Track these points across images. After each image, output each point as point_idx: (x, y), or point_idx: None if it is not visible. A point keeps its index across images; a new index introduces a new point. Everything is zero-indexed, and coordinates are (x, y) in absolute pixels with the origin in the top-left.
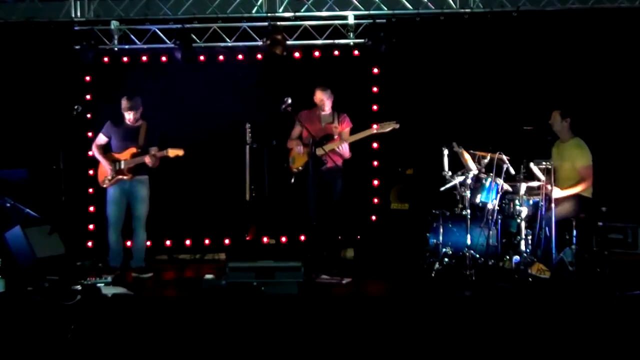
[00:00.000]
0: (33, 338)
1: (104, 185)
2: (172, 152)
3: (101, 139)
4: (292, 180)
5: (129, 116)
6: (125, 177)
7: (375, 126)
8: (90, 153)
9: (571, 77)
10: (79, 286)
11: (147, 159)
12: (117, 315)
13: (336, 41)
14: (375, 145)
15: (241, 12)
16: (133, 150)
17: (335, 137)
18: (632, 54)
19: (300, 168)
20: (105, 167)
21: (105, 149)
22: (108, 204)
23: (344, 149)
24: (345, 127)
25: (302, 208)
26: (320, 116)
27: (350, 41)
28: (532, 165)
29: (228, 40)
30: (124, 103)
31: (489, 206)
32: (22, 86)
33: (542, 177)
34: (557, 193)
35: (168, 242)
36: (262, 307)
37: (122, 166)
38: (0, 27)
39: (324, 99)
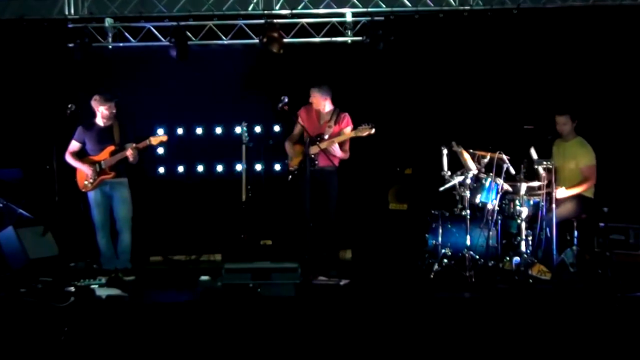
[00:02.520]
0: (26, 340)
1: (85, 190)
2: (155, 140)
3: (74, 145)
4: (290, 178)
5: (105, 111)
6: (108, 177)
7: (348, 129)
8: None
9: (572, 75)
10: (72, 288)
11: (129, 152)
12: (111, 317)
13: (334, 39)
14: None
15: (237, 10)
16: (111, 148)
17: (326, 136)
18: (634, 53)
19: (295, 167)
20: (84, 171)
21: (80, 155)
22: (92, 208)
23: (335, 149)
24: (344, 126)
25: (299, 208)
26: (319, 114)
27: (348, 39)
28: (532, 150)
29: (224, 38)
30: (100, 99)
31: (489, 206)
32: (15, 85)
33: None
34: (562, 192)
35: (163, 243)
36: (258, 309)
37: (104, 166)
38: None
39: (319, 98)
